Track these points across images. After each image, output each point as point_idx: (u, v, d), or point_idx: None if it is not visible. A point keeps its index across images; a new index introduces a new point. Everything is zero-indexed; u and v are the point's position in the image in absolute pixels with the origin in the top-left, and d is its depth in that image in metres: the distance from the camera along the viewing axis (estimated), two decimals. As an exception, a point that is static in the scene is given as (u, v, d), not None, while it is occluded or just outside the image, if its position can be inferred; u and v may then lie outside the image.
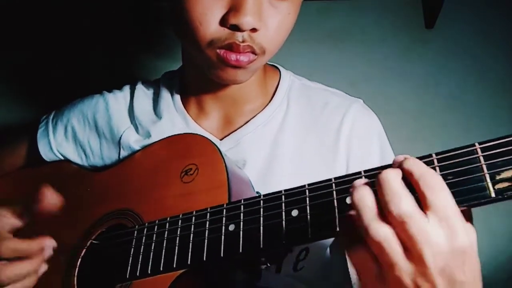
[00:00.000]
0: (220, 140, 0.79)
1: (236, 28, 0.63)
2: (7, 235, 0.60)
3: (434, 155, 0.46)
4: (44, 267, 0.61)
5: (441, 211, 0.41)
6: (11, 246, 0.59)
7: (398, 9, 1.37)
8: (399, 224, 0.41)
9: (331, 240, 0.80)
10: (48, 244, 0.61)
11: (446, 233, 0.41)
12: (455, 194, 0.43)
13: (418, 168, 0.43)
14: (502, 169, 0.43)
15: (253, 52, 0.66)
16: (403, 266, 0.41)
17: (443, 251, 0.41)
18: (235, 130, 0.79)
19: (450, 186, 0.43)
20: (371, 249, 0.42)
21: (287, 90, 0.82)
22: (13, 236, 0.60)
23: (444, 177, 0.44)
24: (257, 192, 0.71)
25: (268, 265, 0.60)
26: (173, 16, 0.70)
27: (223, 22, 0.64)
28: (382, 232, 0.41)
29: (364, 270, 0.45)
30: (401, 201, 0.41)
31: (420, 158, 0.47)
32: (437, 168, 0.45)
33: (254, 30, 0.64)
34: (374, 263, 0.43)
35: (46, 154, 0.87)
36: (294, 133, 0.78)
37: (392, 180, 0.42)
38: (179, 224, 0.61)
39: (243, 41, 0.64)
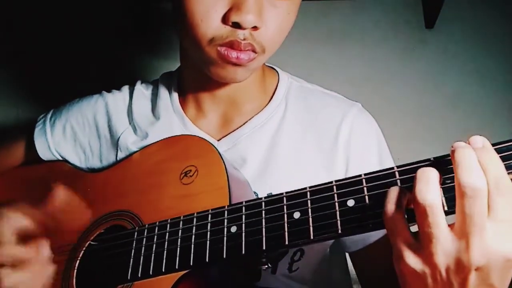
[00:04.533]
0: (218, 140, 0.79)
1: (237, 25, 0.64)
2: (11, 239, 0.61)
3: (432, 159, 0.47)
4: (43, 271, 0.63)
5: (506, 214, 0.41)
6: (12, 253, 0.60)
7: (398, 9, 1.37)
8: (464, 197, 0.41)
9: (327, 241, 0.80)
10: (44, 250, 0.63)
11: (501, 233, 0.41)
12: (453, 198, 0.43)
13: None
14: (503, 173, 0.43)
15: (254, 51, 0.67)
16: (444, 243, 0.42)
17: (493, 247, 0.41)
18: (233, 131, 0.79)
19: (449, 190, 0.44)
20: (417, 215, 0.43)
21: (285, 92, 0.82)
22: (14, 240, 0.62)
23: (443, 181, 0.45)
24: (254, 192, 0.72)
25: (269, 265, 0.60)
26: (175, 14, 0.70)
27: (225, 19, 0.64)
28: (431, 198, 0.42)
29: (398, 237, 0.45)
30: (477, 176, 0.41)
31: (419, 162, 0.47)
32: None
33: (255, 28, 0.65)
34: (413, 238, 0.45)
35: (43, 153, 0.86)
36: (292, 135, 0.78)
37: (469, 155, 0.42)
38: (180, 225, 0.61)
39: (244, 39, 0.65)
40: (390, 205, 0.45)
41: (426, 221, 0.42)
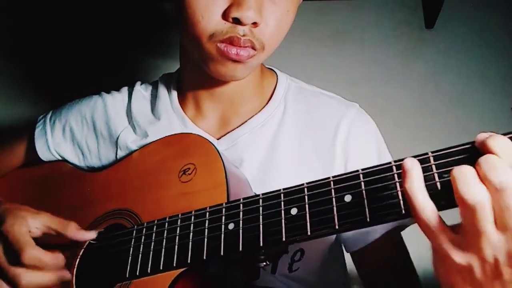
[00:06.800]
0: (217, 139, 0.79)
1: (237, 21, 0.64)
2: (31, 242, 0.61)
3: (430, 153, 0.46)
4: (56, 280, 0.63)
5: None
6: (36, 255, 0.60)
7: (398, 9, 1.37)
8: (496, 192, 0.41)
9: (327, 241, 0.80)
10: (60, 257, 0.63)
11: None
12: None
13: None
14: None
15: (253, 47, 0.67)
16: (491, 237, 0.41)
17: None
18: (232, 130, 0.79)
19: (446, 184, 0.44)
20: (463, 214, 0.42)
21: (284, 93, 0.82)
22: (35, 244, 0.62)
23: (440, 175, 0.45)
24: (254, 193, 0.71)
25: (268, 263, 0.60)
26: (176, 11, 0.70)
27: (225, 15, 0.65)
28: (479, 196, 0.41)
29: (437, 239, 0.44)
30: (504, 171, 0.41)
31: (416, 157, 0.47)
32: (433, 166, 0.45)
33: (255, 24, 0.65)
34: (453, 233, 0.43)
35: (43, 154, 0.87)
36: (291, 135, 0.78)
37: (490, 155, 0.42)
38: (178, 223, 0.61)
39: (243, 35, 0.65)
40: (425, 207, 0.43)
41: (475, 218, 0.41)
